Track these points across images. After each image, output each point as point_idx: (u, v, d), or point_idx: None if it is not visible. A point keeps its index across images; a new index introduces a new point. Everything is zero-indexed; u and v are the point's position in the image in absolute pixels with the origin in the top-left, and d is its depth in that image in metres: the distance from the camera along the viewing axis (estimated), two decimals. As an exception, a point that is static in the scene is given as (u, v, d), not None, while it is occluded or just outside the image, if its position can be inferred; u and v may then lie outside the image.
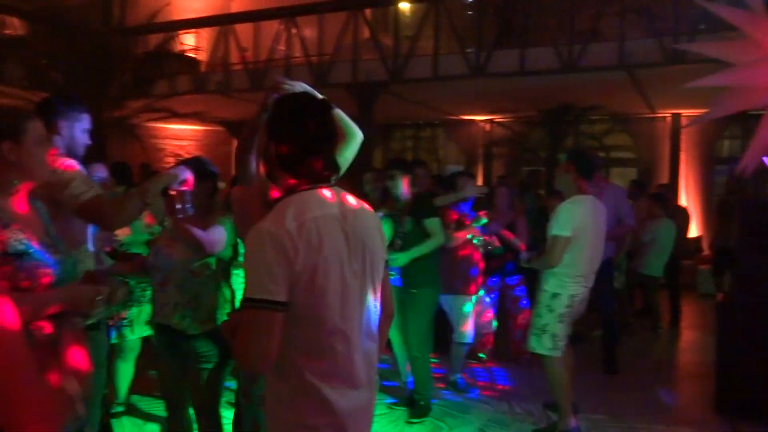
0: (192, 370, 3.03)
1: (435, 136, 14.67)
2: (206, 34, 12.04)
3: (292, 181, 1.80)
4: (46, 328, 1.84)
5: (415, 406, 4.56)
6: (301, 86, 2.28)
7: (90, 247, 2.90)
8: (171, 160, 13.06)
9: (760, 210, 4.92)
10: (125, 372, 4.36)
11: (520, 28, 9.64)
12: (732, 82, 4.56)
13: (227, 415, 3.41)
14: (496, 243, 5.25)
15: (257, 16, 11.14)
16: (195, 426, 3.16)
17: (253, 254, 1.68)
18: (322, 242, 1.69)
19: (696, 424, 4.56)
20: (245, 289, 1.69)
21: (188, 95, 10.66)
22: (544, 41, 9.30)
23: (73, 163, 2.59)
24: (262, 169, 2.54)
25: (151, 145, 12.35)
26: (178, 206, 2.59)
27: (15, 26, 11.30)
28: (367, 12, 10.83)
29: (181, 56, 11.62)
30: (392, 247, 4.48)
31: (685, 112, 11.82)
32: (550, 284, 4.05)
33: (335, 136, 1.89)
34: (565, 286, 4.01)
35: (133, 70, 10.11)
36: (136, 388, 4.55)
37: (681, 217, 8.32)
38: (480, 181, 12.28)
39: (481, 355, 5.76)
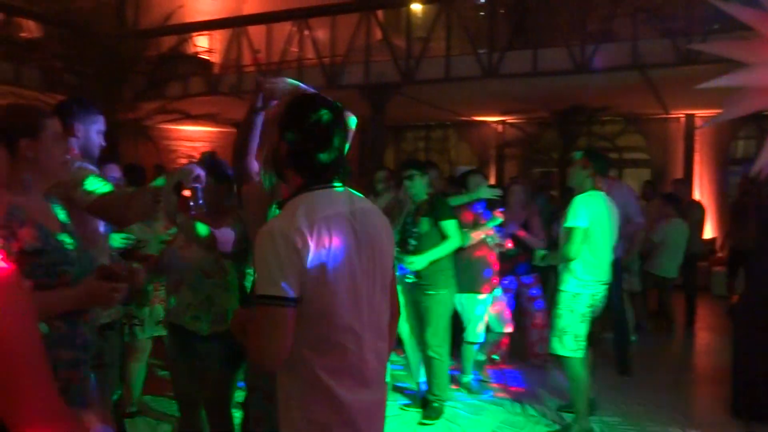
0: (204, 371, 3.04)
1: (447, 137, 14.63)
2: (219, 36, 12.07)
3: (303, 181, 1.81)
4: (62, 327, 1.85)
5: (428, 407, 4.55)
6: (284, 81, 2.30)
7: (106, 245, 2.92)
8: (184, 161, 13.11)
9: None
10: (138, 373, 4.39)
11: (532, 28, 9.61)
12: (746, 82, 4.51)
13: (238, 416, 3.41)
14: (509, 244, 5.22)
15: (270, 18, 11.20)
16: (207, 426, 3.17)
17: (264, 252, 1.69)
18: (333, 241, 1.70)
19: (711, 427, 4.51)
20: (257, 287, 1.70)
21: (201, 97, 10.71)
22: (556, 42, 9.27)
23: (87, 165, 2.62)
24: (258, 168, 2.57)
25: (164, 147, 12.40)
26: (191, 202, 2.60)
27: (30, 29, 11.42)
28: (380, 13, 10.86)
29: (194, 58, 11.66)
30: (405, 247, 4.46)
31: (699, 112, 11.73)
32: (569, 284, 4.03)
33: (346, 136, 1.90)
34: (586, 286, 3.99)
35: (147, 73, 10.20)
36: (148, 388, 4.57)
37: (697, 212, 8.19)
38: (492, 183, 12.22)
39: (494, 356, 5.73)
